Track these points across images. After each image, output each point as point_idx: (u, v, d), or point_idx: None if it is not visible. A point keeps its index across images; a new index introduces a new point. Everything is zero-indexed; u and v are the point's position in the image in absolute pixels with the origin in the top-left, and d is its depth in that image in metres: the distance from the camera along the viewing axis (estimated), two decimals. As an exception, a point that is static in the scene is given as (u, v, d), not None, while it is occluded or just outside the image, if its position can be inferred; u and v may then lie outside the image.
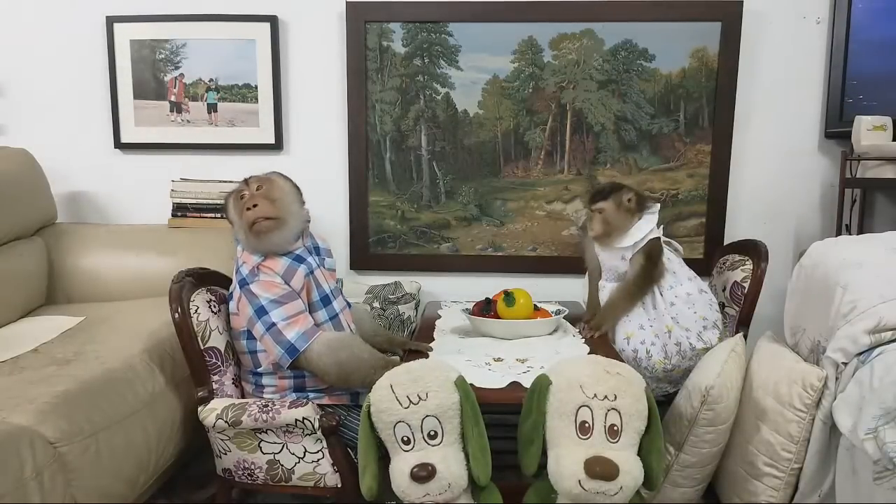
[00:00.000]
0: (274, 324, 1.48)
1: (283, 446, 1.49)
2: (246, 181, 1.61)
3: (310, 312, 1.57)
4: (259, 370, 1.58)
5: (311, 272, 1.59)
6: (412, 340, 1.83)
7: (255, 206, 1.53)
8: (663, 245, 1.89)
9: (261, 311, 1.49)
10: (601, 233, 1.86)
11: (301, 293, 1.55)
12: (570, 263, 2.36)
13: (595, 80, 2.35)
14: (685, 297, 1.84)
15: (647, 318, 1.86)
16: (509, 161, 2.42)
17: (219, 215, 2.33)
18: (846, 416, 1.33)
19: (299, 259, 1.58)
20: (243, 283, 1.52)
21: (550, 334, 1.83)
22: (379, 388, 1.27)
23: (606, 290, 1.94)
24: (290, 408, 1.44)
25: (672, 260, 1.91)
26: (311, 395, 1.58)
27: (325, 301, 1.62)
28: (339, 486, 1.50)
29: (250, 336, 1.56)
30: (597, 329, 1.82)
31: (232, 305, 1.59)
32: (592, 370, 1.25)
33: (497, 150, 2.41)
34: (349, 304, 1.81)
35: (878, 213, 2.37)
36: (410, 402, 1.23)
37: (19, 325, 1.95)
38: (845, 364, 1.42)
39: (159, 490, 1.75)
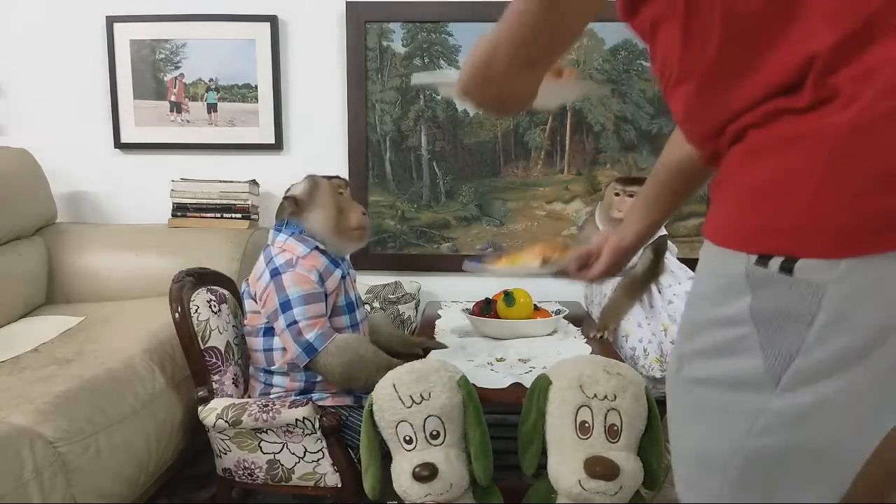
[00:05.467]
0: (296, 321, 1.48)
1: (283, 446, 1.49)
2: (345, 181, 1.69)
3: (335, 316, 1.58)
4: (272, 368, 1.58)
5: (344, 277, 1.61)
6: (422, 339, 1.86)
7: (364, 213, 1.65)
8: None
9: (286, 306, 1.49)
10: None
11: (331, 296, 1.56)
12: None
13: (595, 80, 2.35)
14: (683, 296, 1.85)
15: (644, 316, 1.87)
16: (509, 161, 2.42)
17: (219, 215, 2.33)
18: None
19: (335, 263, 1.60)
20: (276, 273, 1.52)
21: (551, 334, 1.83)
22: (382, 388, 1.27)
23: (609, 284, 1.94)
24: (290, 408, 1.44)
25: (670, 259, 1.92)
26: (315, 395, 1.58)
27: (350, 308, 1.63)
28: (340, 485, 1.50)
29: (266, 333, 1.56)
30: (603, 329, 1.83)
31: (249, 303, 1.59)
32: (592, 370, 1.25)
33: (497, 150, 2.41)
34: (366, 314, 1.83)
35: (878, 214, 2.37)
36: (413, 401, 1.23)
37: (19, 325, 1.95)
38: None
39: (159, 490, 1.75)
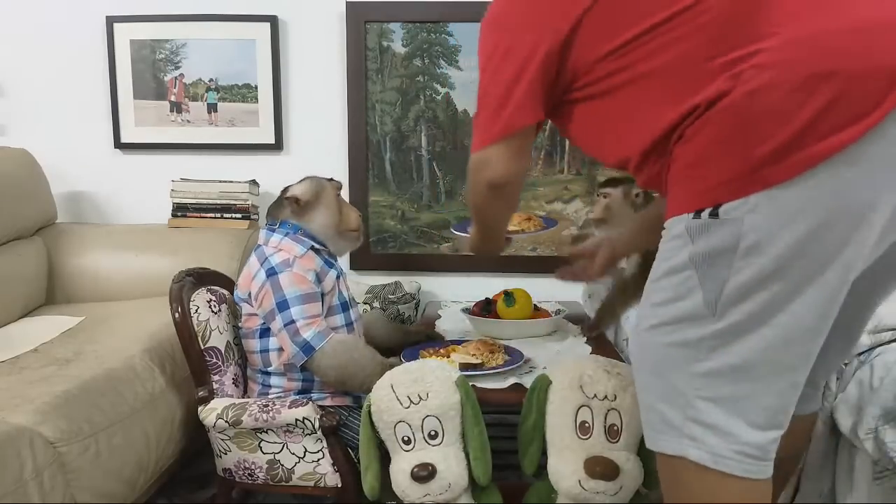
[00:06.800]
0: (293, 321, 1.48)
1: (283, 446, 1.49)
2: (340, 184, 1.73)
3: (330, 316, 1.58)
4: (269, 369, 1.58)
5: (339, 277, 1.63)
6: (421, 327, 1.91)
7: (359, 215, 1.70)
8: None
9: (283, 305, 1.49)
10: (601, 217, 1.79)
11: (327, 296, 1.57)
12: (570, 264, 2.36)
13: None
14: None
15: None
16: (509, 161, 2.41)
17: (219, 215, 2.33)
18: (846, 416, 1.33)
19: (330, 263, 1.61)
20: (272, 273, 1.52)
21: (551, 334, 1.83)
22: (380, 388, 1.27)
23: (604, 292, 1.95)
24: (290, 408, 1.44)
25: None
26: (314, 395, 1.58)
27: (345, 307, 1.63)
28: (340, 486, 1.50)
29: (263, 335, 1.56)
30: (595, 329, 1.83)
31: (245, 307, 1.59)
32: (592, 370, 1.25)
33: (497, 150, 2.41)
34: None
35: (878, 214, 2.37)
36: (411, 401, 1.23)
37: (19, 325, 1.95)
38: (846, 364, 1.42)
39: (159, 490, 1.75)
